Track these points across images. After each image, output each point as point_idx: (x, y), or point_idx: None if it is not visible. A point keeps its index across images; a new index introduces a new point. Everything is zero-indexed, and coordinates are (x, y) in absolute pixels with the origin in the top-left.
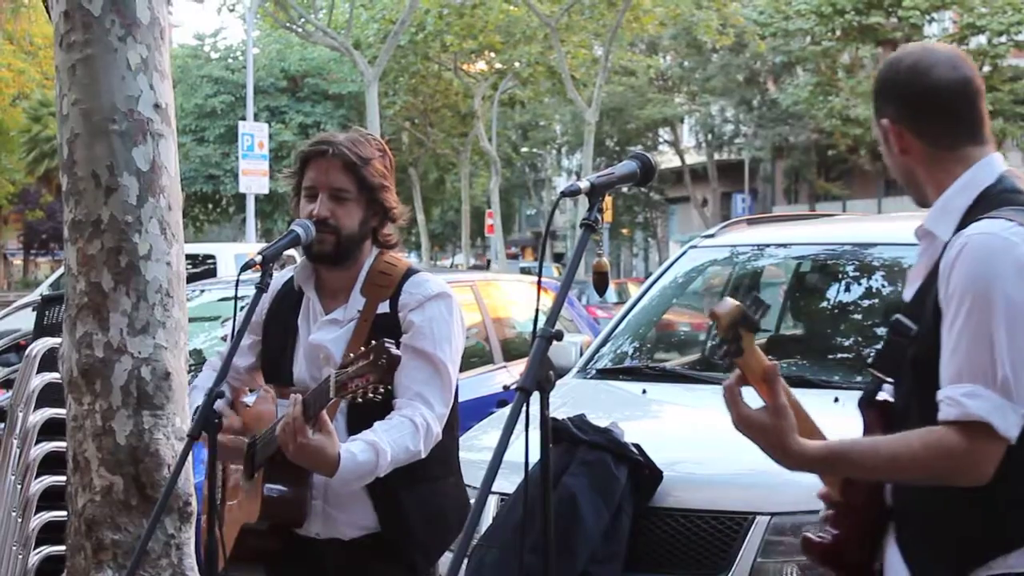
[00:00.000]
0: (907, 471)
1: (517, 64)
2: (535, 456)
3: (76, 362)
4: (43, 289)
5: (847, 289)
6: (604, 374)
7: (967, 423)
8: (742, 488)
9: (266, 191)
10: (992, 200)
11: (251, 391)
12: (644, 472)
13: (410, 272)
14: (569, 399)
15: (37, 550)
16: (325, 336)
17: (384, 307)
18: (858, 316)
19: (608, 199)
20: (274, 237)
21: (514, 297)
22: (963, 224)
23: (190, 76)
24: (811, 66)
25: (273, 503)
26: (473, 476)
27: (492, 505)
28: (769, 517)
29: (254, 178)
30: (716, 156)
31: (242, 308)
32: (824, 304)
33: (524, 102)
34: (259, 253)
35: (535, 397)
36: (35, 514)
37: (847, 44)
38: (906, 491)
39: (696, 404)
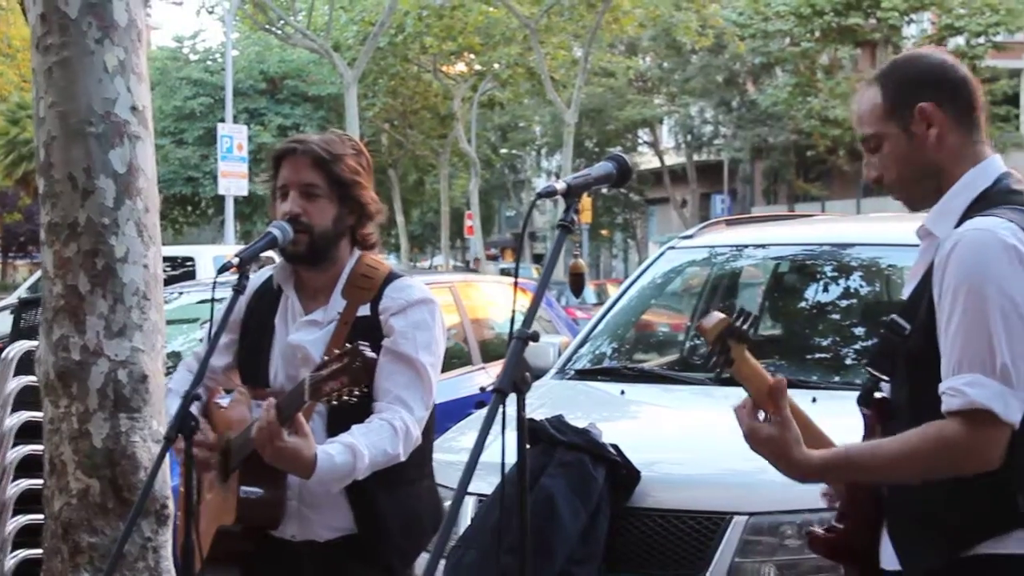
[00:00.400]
0: (911, 468)
1: (496, 66)
2: (512, 457)
3: (53, 365)
4: (21, 292)
5: (825, 289)
6: (582, 375)
7: (970, 411)
8: (720, 488)
9: (245, 193)
10: (990, 200)
11: (226, 392)
12: (622, 472)
13: (392, 276)
14: (547, 400)
15: (14, 554)
16: (304, 337)
17: (364, 310)
18: (836, 316)
19: (587, 200)
20: (253, 239)
21: (493, 298)
22: (960, 223)
23: (169, 78)
24: (790, 67)
25: (249, 505)
26: (450, 477)
27: (470, 506)
28: (747, 517)
29: (233, 180)
30: (695, 157)
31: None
32: (802, 304)
33: (503, 103)
34: (236, 255)
35: (512, 398)
36: (11, 517)
37: (826, 45)
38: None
39: (674, 405)
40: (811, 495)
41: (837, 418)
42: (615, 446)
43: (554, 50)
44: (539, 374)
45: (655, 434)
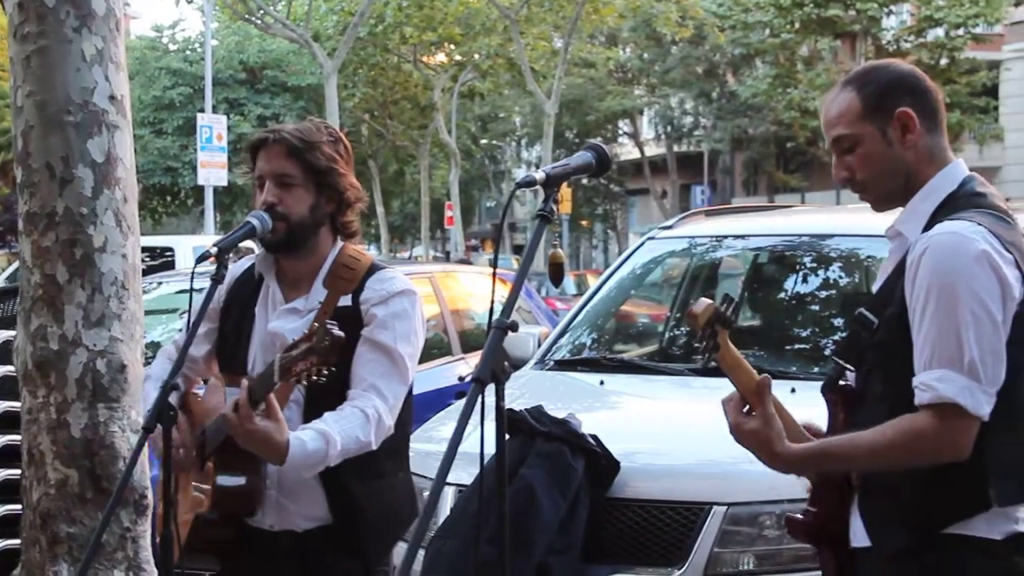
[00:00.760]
0: (887, 458)
1: (477, 56)
2: (491, 448)
3: (31, 355)
4: None
5: (804, 280)
6: (562, 365)
7: (940, 405)
8: (699, 478)
9: (225, 183)
10: (956, 203)
11: (204, 381)
12: (601, 463)
13: (375, 268)
14: (527, 390)
15: None
16: (284, 325)
17: (346, 300)
18: (815, 307)
19: (567, 191)
20: (233, 229)
21: (472, 289)
22: (929, 225)
23: (148, 68)
24: (770, 58)
25: (225, 492)
26: (429, 467)
27: (449, 496)
28: (726, 507)
29: (212, 170)
30: (675, 148)
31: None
32: (781, 295)
33: (484, 94)
34: (215, 245)
35: (491, 388)
36: None
37: (806, 37)
38: None
39: (654, 395)
40: (789, 485)
41: (816, 408)
42: (594, 436)
43: (534, 41)
44: (518, 364)
45: (634, 424)
